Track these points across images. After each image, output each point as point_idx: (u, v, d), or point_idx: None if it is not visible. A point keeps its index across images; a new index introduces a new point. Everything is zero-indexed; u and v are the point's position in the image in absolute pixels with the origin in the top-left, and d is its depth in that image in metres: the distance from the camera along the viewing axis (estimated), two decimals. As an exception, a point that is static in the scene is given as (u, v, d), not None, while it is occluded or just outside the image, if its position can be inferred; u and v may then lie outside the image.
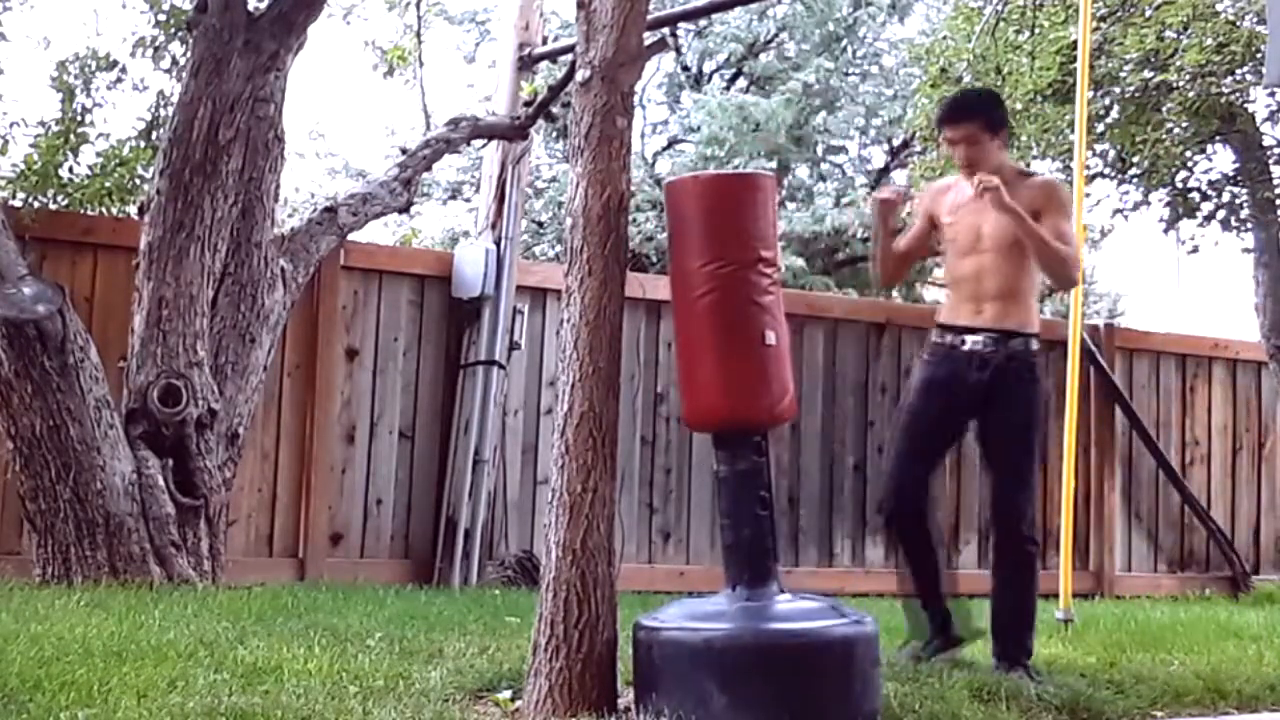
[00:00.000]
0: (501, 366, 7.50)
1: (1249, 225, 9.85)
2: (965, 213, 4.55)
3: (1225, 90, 9.04)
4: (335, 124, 25.96)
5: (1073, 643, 5.09)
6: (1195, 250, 10.29)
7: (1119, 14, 9.27)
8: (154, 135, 7.14)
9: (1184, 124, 9.29)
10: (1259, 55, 8.42)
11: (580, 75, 3.70)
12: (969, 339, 4.50)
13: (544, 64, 8.88)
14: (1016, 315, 4.49)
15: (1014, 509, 4.49)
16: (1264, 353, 9.63)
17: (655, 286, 6.49)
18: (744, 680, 3.40)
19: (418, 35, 8.87)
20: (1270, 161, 9.75)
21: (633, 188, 4.48)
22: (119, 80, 7.33)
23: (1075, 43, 7.69)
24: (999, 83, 9.27)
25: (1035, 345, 4.52)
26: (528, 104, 7.98)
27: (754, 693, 3.39)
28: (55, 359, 5.70)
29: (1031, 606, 4.51)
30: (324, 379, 7.17)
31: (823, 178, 15.47)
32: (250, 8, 6.47)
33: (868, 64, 15.79)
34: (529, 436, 7.71)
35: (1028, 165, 8.29)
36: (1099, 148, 9.80)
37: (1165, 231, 10.23)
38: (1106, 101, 9.58)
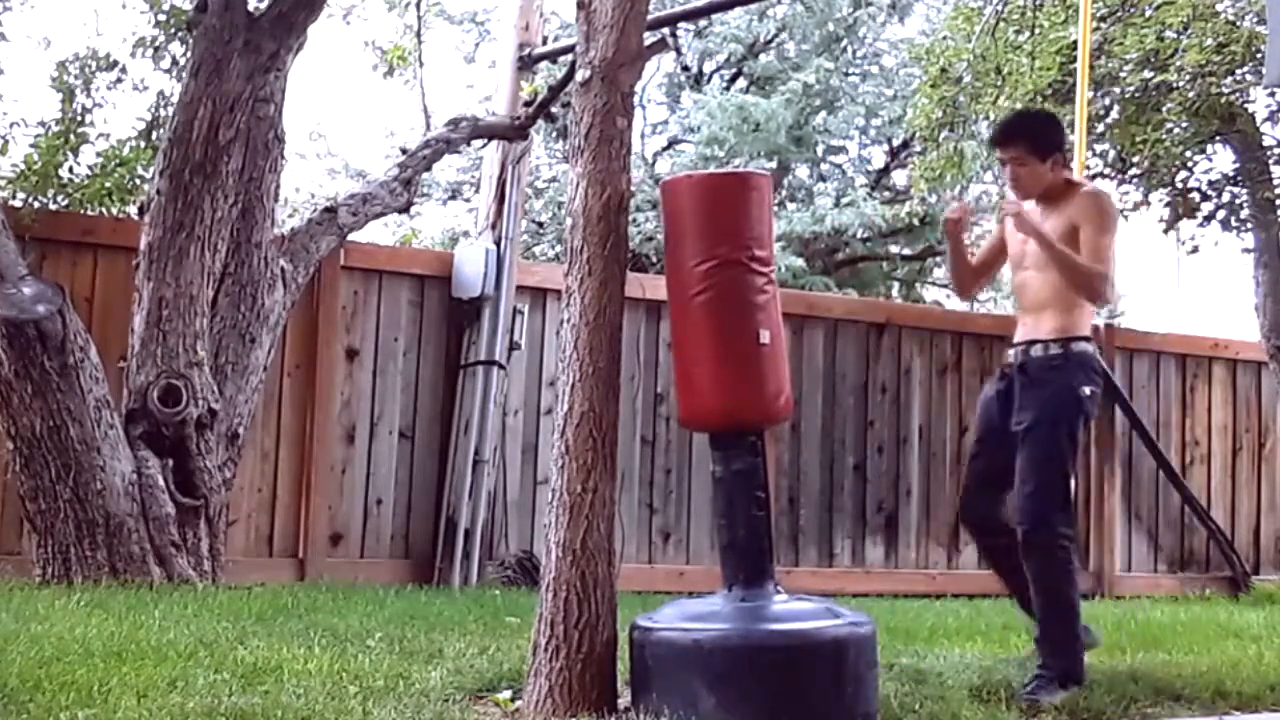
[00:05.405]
0: (501, 367, 7.50)
1: (1249, 225, 9.85)
2: (1015, 231, 4.60)
3: (1225, 90, 9.04)
4: (335, 124, 25.97)
5: (1073, 643, 5.08)
6: (1195, 250, 10.29)
7: (1119, 14, 9.28)
8: (154, 135, 7.14)
9: (1184, 124, 9.29)
10: (1259, 55, 8.41)
11: (580, 75, 3.70)
12: (1010, 353, 4.60)
13: (544, 64, 8.88)
14: (1046, 325, 4.46)
15: (1021, 509, 4.38)
16: (1264, 353, 9.62)
17: (655, 286, 6.49)
18: (731, 681, 3.37)
19: (418, 35, 8.86)
20: (1270, 161, 9.75)
21: (633, 188, 4.48)
22: (119, 80, 7.33)
23: (1075, 43, 7.71)
24: (999, 83, 9.28)
25: (1055, 350, 4.42)
26: (528, 104, 7.98)
27: (741, 694, 3.36)
28: (55, 359, 5.70)
29: (1053, 615, 4.33)
30: (324, 379, 7.17)
31: (823, 178, 15.47)
32: (250, 8, 6.47)
33: (868, 64, 15.80)
34: (529, 436, 7.71)
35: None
36: (1099, 148, 9.80)
37: (1165, 231, 10.23)
38: (1106, 101, 9.58)
